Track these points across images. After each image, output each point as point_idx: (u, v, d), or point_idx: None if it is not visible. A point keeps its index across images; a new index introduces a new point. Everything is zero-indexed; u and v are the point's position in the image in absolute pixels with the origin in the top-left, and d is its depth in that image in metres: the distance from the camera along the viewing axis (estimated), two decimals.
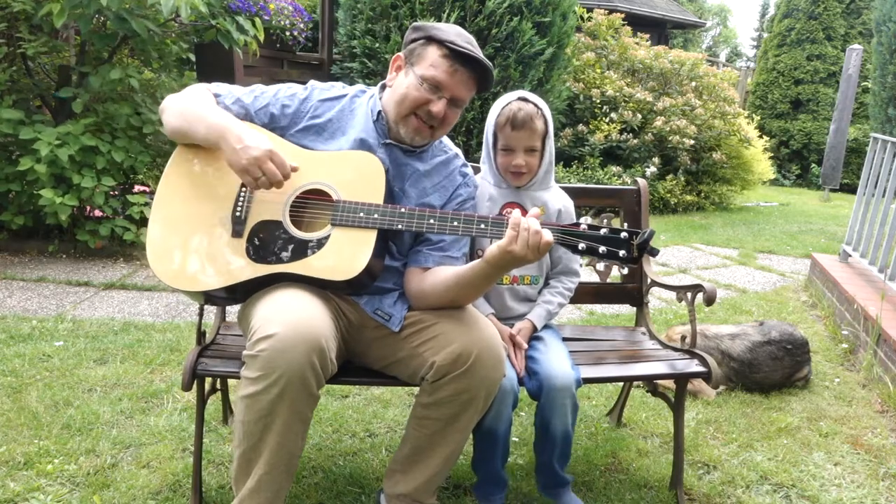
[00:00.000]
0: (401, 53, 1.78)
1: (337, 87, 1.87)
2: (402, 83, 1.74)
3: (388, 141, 1.79)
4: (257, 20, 4.59)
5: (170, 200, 1.73)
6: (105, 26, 4.24)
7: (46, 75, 4.59)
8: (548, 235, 1.51)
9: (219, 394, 2.33)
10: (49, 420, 2.33)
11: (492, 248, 1.56)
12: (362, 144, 1.77)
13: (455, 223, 1.65)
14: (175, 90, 4.58)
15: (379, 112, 1.80)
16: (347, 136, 1.79)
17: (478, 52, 1.72)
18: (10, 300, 3.58)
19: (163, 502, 1.95)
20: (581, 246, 1.56)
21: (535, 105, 1.96)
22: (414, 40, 1.76)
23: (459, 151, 1.95)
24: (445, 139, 1.94)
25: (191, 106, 1.74)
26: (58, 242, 4.42)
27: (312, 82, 1.88)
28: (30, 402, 2.45)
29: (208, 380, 2.06)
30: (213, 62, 5.80)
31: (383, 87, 1.85)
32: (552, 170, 2.07)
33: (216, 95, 1.80)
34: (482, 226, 1.64)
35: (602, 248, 1.55)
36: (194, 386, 1.78)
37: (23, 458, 2.10)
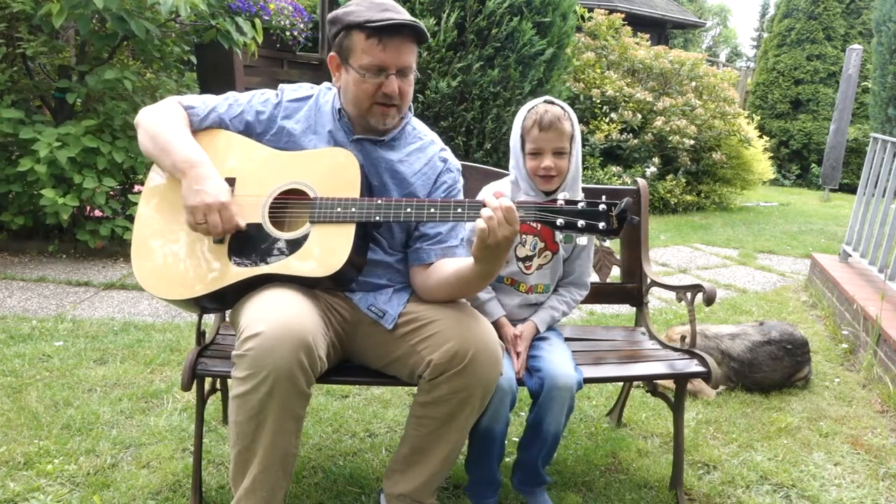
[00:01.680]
0: (333, 53, 1.75)
1: (304, 88, 1.88)
2: (348, 82, 1.72)
3: (355, 137, 1.79)
4: (257, 21, 4.59)
5: (151, 215, 1.75)
6: (105, 26, 4.24)
7: (46, 75, 4.59)
8: (506, 201, 1.49)
9: (219, 394, 2.33)
10: (49, 420, 2.33)
11: (473, 251, 1.56)
12: (333, 142, 1.78)
13: (432, 210, 1.65)
14: (175, 91, 4.61)
15: (340, 110, 1.80)
16: (319, 134, 1.80)
17: (396, 13, 1.66)
18: (10, 300, 3.58)
19: (163, 502, 1.95)
20: (559, 222, 1.53)
21: (562, 107, 1.96)
22: (336, 35, 1.73)
23: (436, 137, 1.93)
24: (419, 125, 1.92)
25: (162, 132, 1.72)
26: (58, 242, 4.42)
27: (282, 85, 1.89)
28: (30, 402, 2.45)
29: (208, 380, 2.06)
30: (213, 62, 5.82)
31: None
32: (580, 175, 2.04)
33: (190, 108, 1.79)
34: (459, 210, 1.64)
35: (581, 223, 1.52)
36: (194, 386, 1.78)
37: (23, 458, 2.10)
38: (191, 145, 1.71)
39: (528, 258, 2.04)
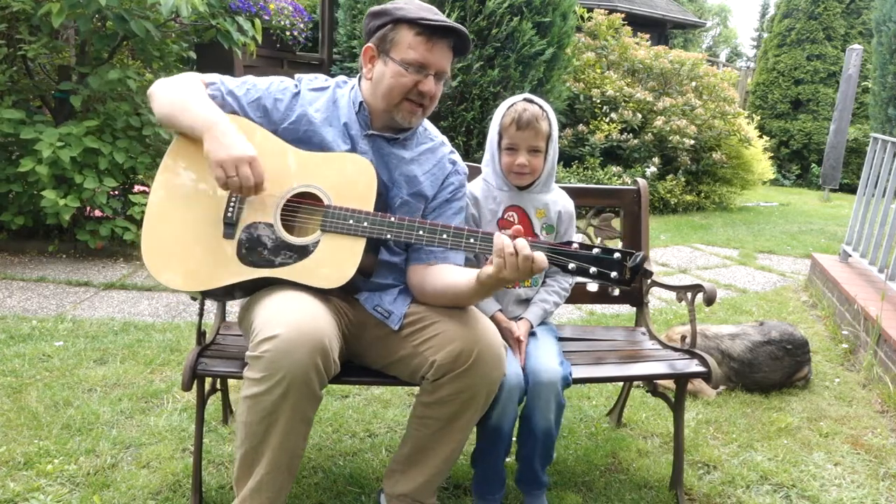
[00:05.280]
0: (370, 44, 1.75)
1: (320, 79, 1.87)
2: (384, 73, 1.72)
3: (370, 132, 1.79)
4: (257, 21, 4.59)
5: (163, 203, 1.73)
6: (105, 26, 4.24)
7: (46, 75, 4.59)
8: (541, 260, 1.49)
9: (219, 394, 2.33)
10: (49, 420, 2.33)
11: (483, 275, 1.56)
12: (347, 135, 1.77)
13: (444, 236, 1.64)
14: None
15: (361, 103, 1.79)
16: (334, 126, 1.78)
17: (446, 19, 1.71)
18: (10, 300, 3.58)
19: (163, 502, 1.95)
20: (571, 266, 1.54)
21: (541, 107, 1.99)
22: (380, 27, 1.73)
23: (446, 139, 1.95)
24: (430, 126, 1.93)
25: (181, 94, 1.72)
26: (58, 242, 4.42)
27: (299, 75, 1.87)
28: (30, 402, 2.45)
29: (208, 380, 2.06)
30: (213, 62, 5.80)
31: (361, 79, 1.84)
32: (554, 173, 2.08)
33: (209, 84, 1.77)
34: (471, 240, 1.63)
35: (593, 269, 1.53)
36: (194, 386, 1.78)
37: (23, 458, 2.10)
38: (211, 106, 1.70)
39: None
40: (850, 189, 9.90)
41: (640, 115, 7.74)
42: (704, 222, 7.37)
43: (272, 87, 1.80)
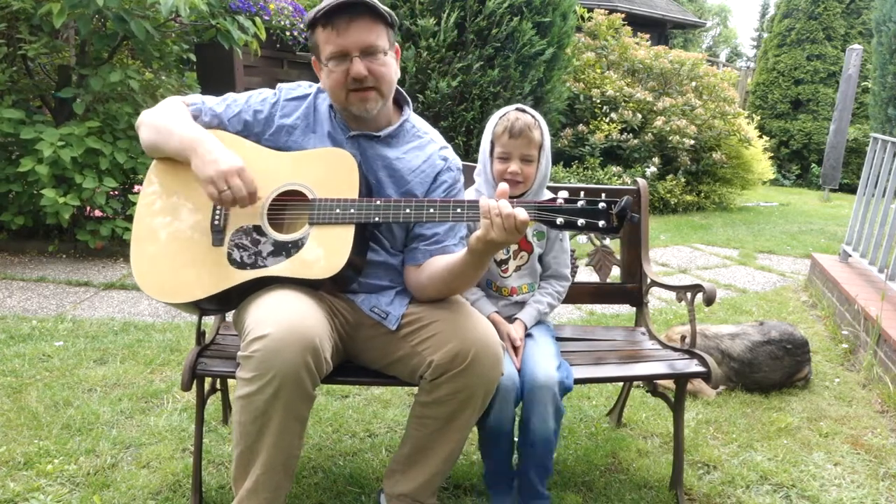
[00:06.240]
0: (313, 56, 1.78)
1: (303, 86, 1.88)
2: (324, 79, 1.74)
3: (352, 133, 1.79)
4: (258, 20, 4.59)
5: (149, 217, 1.74)
6: (105, 26, 4.24)
7: (46, 75, 4.60)
8: (522, 214, 1.49)
9: (219, 394, 2.33)
10: (49, 420, 2.33)
11: (472, 240, 1.56)
12: (332, 140, 1.78)
13: (431, 210, 1.64)
14: (175, 90, 4.61)
15: (331, 107, 1.81)
16: (317, 133, 1.80)
17: None
18: (10, 300, 3.58)
19: (163, 502, 1.95)
20: (559, 220, 1.53)
21: (533, 116, 2.00)
22: (308, 38, 1.76)
23: (437, 134, 1.93)
24: (420, 122, 1.92)
25: (164, 119, 1.75)
26: (58, 242, 4.42)
27: (280, 84, 1.89)
28: (30, 402, 2.45)
29: (208, 380, 2.06)
30: (213, 62, 5.81)
31: None
32: (546, 183, 2.08)
33: (190, 105, 1.81)
34: (458, 210, 1.63)
35: (581, 221, 1.52)
36: (194, 386, 1.79)
37: (23, 458, 2.10)
38: (193, 125, 1.73)
39: (504, 262, 2.06)
40: (850, 189, 9.91)
41: (640, 115, 7.74)
42: (704, 222, 7.37)
43: (251, 100, 1.83)
